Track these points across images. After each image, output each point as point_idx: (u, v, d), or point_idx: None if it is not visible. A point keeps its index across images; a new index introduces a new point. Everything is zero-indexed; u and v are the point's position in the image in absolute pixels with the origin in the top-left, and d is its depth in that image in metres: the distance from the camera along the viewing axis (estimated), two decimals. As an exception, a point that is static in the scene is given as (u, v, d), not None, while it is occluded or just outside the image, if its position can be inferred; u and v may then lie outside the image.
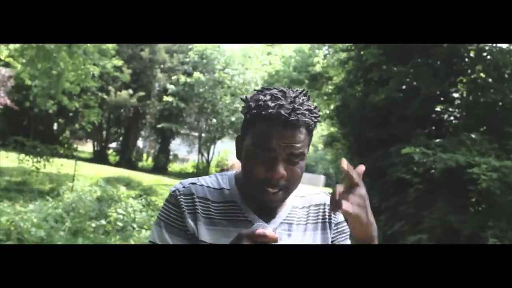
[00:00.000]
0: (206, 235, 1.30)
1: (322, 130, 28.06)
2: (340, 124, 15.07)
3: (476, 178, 7.54)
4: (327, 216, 1.44)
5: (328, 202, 1.45)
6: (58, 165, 13.82)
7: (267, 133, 1.24)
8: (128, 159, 29.59)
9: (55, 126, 31.74)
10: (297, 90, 1.30)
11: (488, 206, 8.55)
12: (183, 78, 26.66)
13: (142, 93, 27.51)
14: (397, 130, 10.40)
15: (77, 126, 31.48)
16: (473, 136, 8.75)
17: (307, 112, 1.25)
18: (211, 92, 26.96)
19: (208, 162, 29.88)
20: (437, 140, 9.47)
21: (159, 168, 29.11)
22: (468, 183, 7.85)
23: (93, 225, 7.79)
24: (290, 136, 1.23)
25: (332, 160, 25.65)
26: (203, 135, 29.80)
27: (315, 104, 1.43)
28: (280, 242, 1.24)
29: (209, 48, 26.90)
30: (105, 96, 21.55)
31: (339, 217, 1.46)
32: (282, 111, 1.22)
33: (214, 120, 29.11)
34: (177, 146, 34.27)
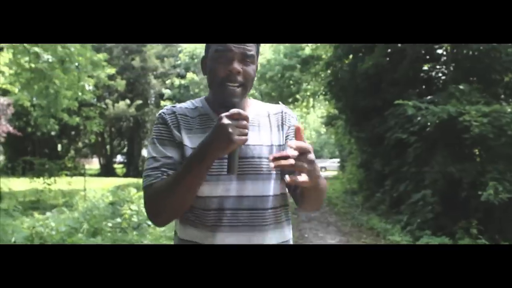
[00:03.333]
0: (187, 141, 1.62)
1: (322, 113, 28.27)
2: (335, 99, 15.29)
3: (468, 125, 7.76)
4: (282, 121, 1.75)
5: (284, 110, 1.77)
6: (68, 182, 14.14)
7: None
8: (135, 169, 29.87)
9: (59, 147, 32.05)
10: None
11: (484, 151, 8.77)
12: (177, 81, 26.85)
13: (139, 102, 27.77)
14: (389, 95, 10.63)
15: (80, 144, 31.82)
16: (461, 87, 8.96)
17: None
18: (207, 91, 27.07)
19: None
20: (428, 97, 9.70)
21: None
22: (461, 132, 8.07)
23: (110, 224, 8.04)
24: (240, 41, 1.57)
25: (336, 140, 25.84)
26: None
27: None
28: (249, 142, 1.56)
29: (198, 48, 27.08)
30: (104, 106, 21.85)
31: (292, 121, 1.76)
32: None
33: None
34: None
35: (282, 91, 25.90)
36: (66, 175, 15.27)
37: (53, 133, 16.76)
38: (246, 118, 1.39)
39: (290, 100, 28.03)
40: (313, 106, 28.64)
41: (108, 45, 28.54)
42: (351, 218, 11.17)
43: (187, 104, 1.75)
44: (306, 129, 42.72)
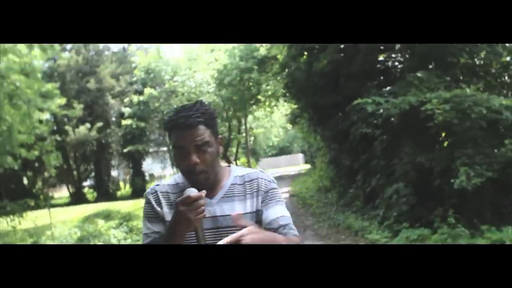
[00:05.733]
0: (169, 216, 1.79)
1: (285, 109, 28.20)
2: (295, 99, 15.13)
3: (431, 114, 7.64)
4: (259, 187, 1.86)
5: (260, 176, 1.89)
6: (33, 219, 13.58)
7: (177, 137, 1.75)
8: (105, 192, 29.27)
9: (25, 181, 31.18)
10: (198, 102, 1.80)
11: (451, 137, 8.67)
12: (135, 98, 26.39)
13: (100, 124, 27.20)
14: (348, 90, 10.49)
15: (46, 174, 31.01)
16: (419, 74, 8.85)
17: (200, 115, 1.73)
18: (167, 104, 26.73)
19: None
20: (388, 88, 9.58)
21: (138, 191, 28.77)
22: (425, 120, 7.95)
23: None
24: (191, 134, 1.72)
25: (303, 137, 25.79)
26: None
27: (211, 107, 1.85)
28: (224, 212, 1.78)
29: (152, 62, 26.66)
30: (58, 138, 21.30)
31: (269, 185, 1.88)
32: (180, 120, 1.72)
33: (179, 130, 28.96)
34: (149, 165, 33.97)
35: (243, 95, 25.69)
36: (32, 208, 14.73)
37: (16, 167, 16.18)
38: (199, 198, 1.57)
39: (252, 101, 27.87)
40: (276, 105, 28.52)
41: (61, 69, 27.89)
42: (327, 219, 10.99)
43: (170, 180, 1.92)
44: (273, 127, 42.68)
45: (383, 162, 9.71)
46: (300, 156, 48.71)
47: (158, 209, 1.84)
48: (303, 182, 21.50)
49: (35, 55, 13.92)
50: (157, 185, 1.92)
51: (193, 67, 26.89)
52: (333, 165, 14.10)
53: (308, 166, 34.91)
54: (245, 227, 1.55)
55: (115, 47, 33.25)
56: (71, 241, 9.56)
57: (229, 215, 1.77)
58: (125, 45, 32.87)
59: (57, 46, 14.83)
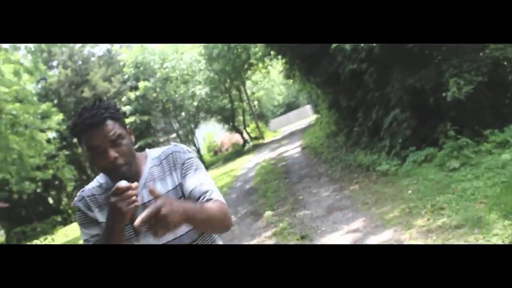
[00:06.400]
0: (101, 218, 1.81)
1: (280, 66, 28.11)
2: (280, 54, 15.16)
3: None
4: (174, 161, 1.88)
5: (174, 150, 1.90)
6: (65, 233, 14.04)
7: (88, 138, 1.70)
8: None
9: (50, 201, 31.73)
10: (96, 99, 1.79)
11: (435, 52, 8.68)
12: (132, 95, 26.56)
13: (105, 129, 27.45)
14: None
15: (68, 189, 31.49)
16: None
17: (104, 111, 1.72)
18: (164, 92, 26.87)
19: (199, 152, 30.03)
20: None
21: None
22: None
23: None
24: (102, 131, 1.70)
25: (300, 89, 25.73)
26: (180, 132, 29.86)
27: (114, 101, 1.85)
28: (151, 197, 1.60)
29: (138, 55, 26.67)
30: (67, 152, 21.67)
31: (184, 156, 1.89)
32: (86, 122, 1.69)
33: (183, 114, 29.13)
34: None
35: (234, 63, 25.64)
36: (61, 224, 15.19)
37: (38, 190, 16.64)
38: (128, 188, 1.58)
39: (245, 67, 27.79)
40: (270, 65, 28.42)
41: (54, 87, 28.05)
42: (339, 162, 11.14)
43: (93, 183, 1.91)
44: (274, 87, 42.49)
45: (377, 94, 9.78)
46: (308, 107, 48.49)
47: (90, 213, 1.84)
48: (312, 132, 21.61)
49: (24, 81, 14.13)
50: (82, 191, 1.91)
51: (179, 49, 26.88)
52: (334, 109, 14.18)
53: (317, 116, 34.88)
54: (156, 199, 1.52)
55: (99, 51, 33.20)
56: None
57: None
58: (108, 46, 32.87)
59: (42, 66, 15.01)
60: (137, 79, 27.25)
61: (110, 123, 1.72)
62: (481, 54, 7.97)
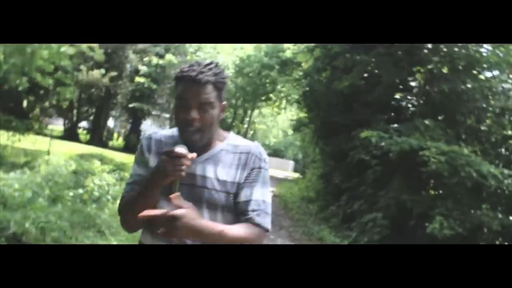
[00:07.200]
0: (153, 163, 1.83)
1: (292, 115, 28.71)
2: (307, 108, 15.67)
3: (426, 160, 8.23)
4: (247, 161, 1.84)
5: (252, 151, 1.85)
6: (32, 141, 13.97)
7: (183, 88, 1.73)
8: (99, 138, 29.65)
9: (25, 103, 31.35)
10: (211, 61, 1.80)
11: (437, 187, 9.28)
12: (155, 60, 26.73)
13: (114, 73, 27.54)
14: (359, 116, 11.06)
15: (47, 104, 31.23)
16: (426, 122, 9.42)
17: (211, 73, 1.73)
18: (182, 75, 27.05)
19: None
20: (395, 125, 10.15)
21: (130, 147, 29.13)
22: (420, 165, 8.54)
23: (71, 193, 8.16)
24: (198, 89, 1.71)
25: (301, 146, 26.29)
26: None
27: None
28: (205, 173, 1.76)
29: (182, 30, 26.99)
30: (79, 76, 21.66)
31: (257, 163, 1.85)
32: (192, 74, 1.71)
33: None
34: (148, 126, 34.33)
35: (257, 88, 26.20)
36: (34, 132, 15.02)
37: (20, 88, 16.48)
38: (184, 157, 1.61)
39: (263, 98, 28.36)
40: (284, 108, 29.03)
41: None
42: (303, 226, 11.56)
43: (168, 131, 1.95)
44: (274, 128, 43.11)
45: (370, 190, 10.29)
46: (291, 163, 49.22)
47: (146, 154, 1.87)
48: (289, 187, 22.05)
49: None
50: (155, 133, 1.95)
51: (218, 48, 27.32)
52: (323, 180, 14.68)
53: (295, 174, 35.42)
54: (180, 207, 1.53)
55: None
56: (65, 172, 9.90)
57: (208, 177, 1.77)
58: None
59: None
60: (167, 50, 27.47)
61: (209, 88, 1.72)
62: (472, 211, 8.53)
